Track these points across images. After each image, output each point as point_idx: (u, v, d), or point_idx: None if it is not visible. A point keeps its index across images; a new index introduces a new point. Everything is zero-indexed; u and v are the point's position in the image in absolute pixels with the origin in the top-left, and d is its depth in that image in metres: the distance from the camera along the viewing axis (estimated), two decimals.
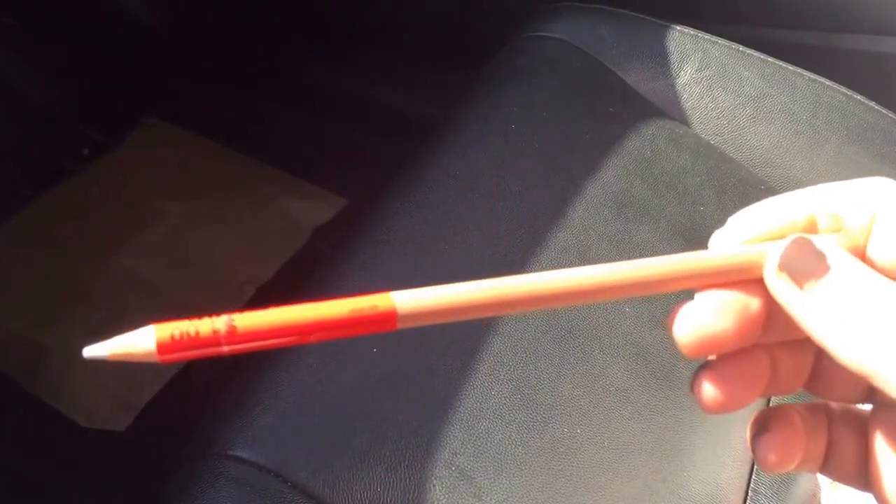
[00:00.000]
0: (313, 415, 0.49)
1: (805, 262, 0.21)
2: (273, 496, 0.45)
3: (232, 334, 0.19)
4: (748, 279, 0.22)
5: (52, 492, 0.89)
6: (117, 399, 0.95)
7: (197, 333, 0.19)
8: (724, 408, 0.23)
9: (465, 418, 0.49)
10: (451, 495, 0.47)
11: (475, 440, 0.49)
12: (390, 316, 0.20)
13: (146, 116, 1.25)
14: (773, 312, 0.22)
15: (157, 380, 0.96)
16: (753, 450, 0.24)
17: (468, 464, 0.48)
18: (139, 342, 0.19)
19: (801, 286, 0.21)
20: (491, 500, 0.47)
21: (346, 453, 0.47)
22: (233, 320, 0.19)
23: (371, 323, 0.20)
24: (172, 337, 0.19)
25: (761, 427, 0.24)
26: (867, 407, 0.24)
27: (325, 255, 0.60)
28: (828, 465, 0.25)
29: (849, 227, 0.23)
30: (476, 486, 0.47)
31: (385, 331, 0.20)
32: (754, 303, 0.22)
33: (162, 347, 0.19)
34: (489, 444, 0.49)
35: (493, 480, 0.48)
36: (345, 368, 0.51)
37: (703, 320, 0.22)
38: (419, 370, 0.51)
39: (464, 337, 0.53)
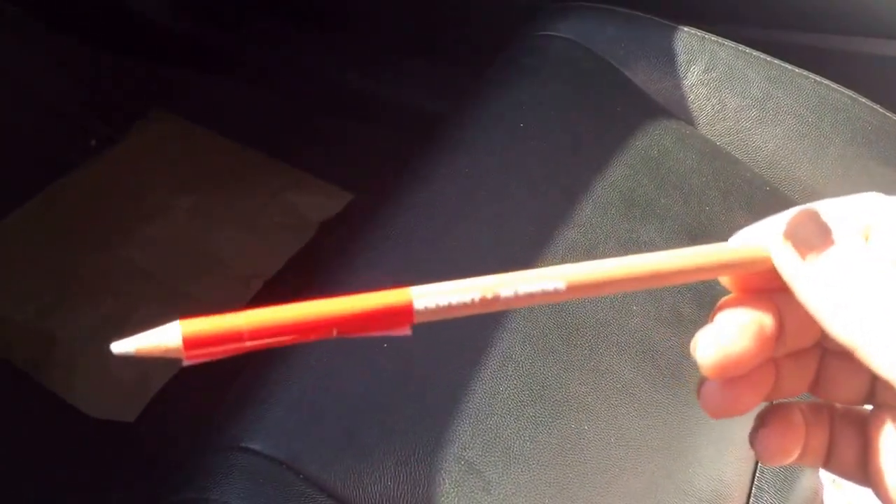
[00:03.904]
0: (324, 408, 0.49)
1: (810, 233, 0.22)
2: (285, 488, 0.46)
3: (254, 330, 0.20)
4: (759, 270, 0.23)
5: (60, 482, 0.90)
6: (126, 390, 0.95)
7: (221, 329, 0.19)
8: (727, 413, 0.24)
9: (473, 413, 0.50)
10: (459, 489, 0.47)
11: (484, 435, 0.49)
12: (407, 310, 0.21)
13: (154, 109, 1.26)
14: (783, 330, 0.23)
15: (166, 371, 0.96)
16: (751, 443, 0.25)
17: (477, 458, 0.49)
18: (166, 338, 0.19)
19: (803, 256, 0.22)
20: (499, 493, 0.48)
21: (357, 446, 0.48)
22: (254, 316, 0.20)
23: (390, 316, 0.21)
24: (197, 332, 0.19)
25: (760, 422, 0.25)
26: (868, 407, 0.25)
27: (333, 249, 0.61)
28: (830, 461, 0.26)
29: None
30: (485, 479, 0.48)
31: (404, 326, 0.21)
32: (768, 323, 0.23)
33: (188, 342, 0.19)
34: (498, 438, 0.49)
35: (501, 474, 0.48)
36: (355, 362, 0.52)
37: (724, 344, 0.23)
38: (429, 365, 0.52)
39: (473, 333, 0.53)
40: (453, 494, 0.47)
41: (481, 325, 0.54)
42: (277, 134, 1.22)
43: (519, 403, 0.51)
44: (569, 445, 0.51)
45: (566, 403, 0.52)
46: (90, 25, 1.28)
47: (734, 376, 0.24)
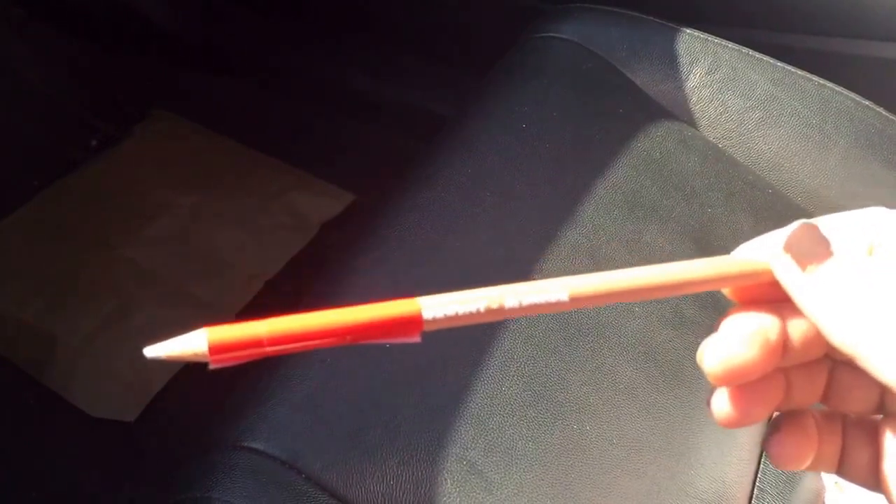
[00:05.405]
0: (327, 408, 0.49)
1: (809, 246, 0.22)
2: (287, 488, 0.46)
3: (273, 338, 0.21)
4: (761, 282, 0.24)
5: (60, 482, 0.90)
6: (126, 390, 0.95)
7: (243, 336, 0.21)
8: (738, 423, 0.24)
9: (476, 414, 0.50)
10: (461, 489, 0.47)
11: (486, 435, 0.49)
12: (416, 320, 0.22)
13: (155, 109, 1.26)
14: (789, 340, 0.24)
15: (166, 371, 0.96)
16: (765, 448, 0.26)
17: (479, 458, 0.48)
18: (194, 345, 0.21)
19: (803, 268, 0.22)
20: (501, 494, 0.48)
21: (359, 446, 0.48)
22: (273, 324, 0.21)
23: (401, 325, 0.22)
24: (221, 339, 0.21)
25: (774, 428, 0.26)
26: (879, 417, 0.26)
27: (337, 249, 0.61)
28: (843, 467, 0.26)
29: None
30: (487, 480, 0.48)
31: (414, 334, 0.22)
32: (773, 331, 0.23)
33: (213, 348, 0.20)
34: (500, 439, 0.49)
35: (503, 475, 0.48)
36: (358, 363, 0.51)
37: (730, 352, 0.23)
38: (431, 365, 0.52)
39: (475, 333, 0.53)
40: (455, 495, 0.47)
41: (484, 326, 0.53)
42: (278, 134, 1.22)
43: (521, 404, 0.51)
44: (571, 446, 0.51)
45: (568, 404, 0.52)
46: (92, 26, 1.28)
47: (744, 386, 0.24)
